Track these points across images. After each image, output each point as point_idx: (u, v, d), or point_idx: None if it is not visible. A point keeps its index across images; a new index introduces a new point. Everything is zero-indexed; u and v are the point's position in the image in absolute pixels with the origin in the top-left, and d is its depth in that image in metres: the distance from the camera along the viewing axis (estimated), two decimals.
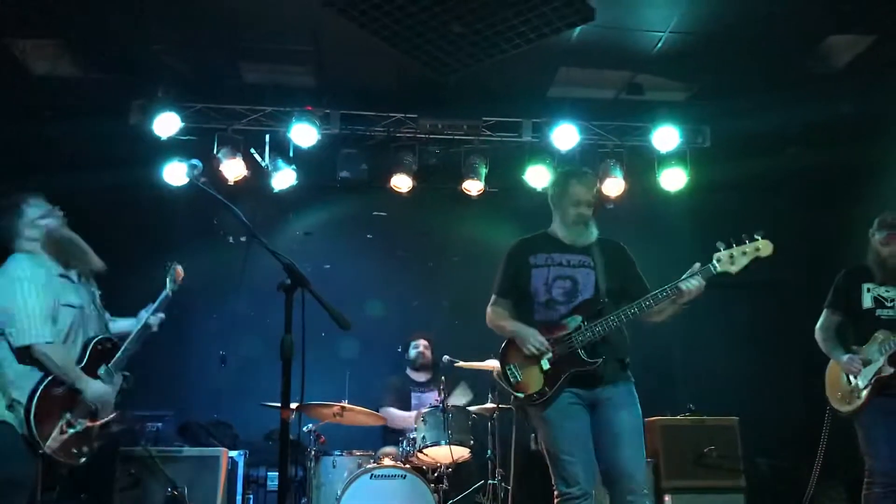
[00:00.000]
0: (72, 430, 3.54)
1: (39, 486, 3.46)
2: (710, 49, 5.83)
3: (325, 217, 7.15)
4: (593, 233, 3.74)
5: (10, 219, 3.68)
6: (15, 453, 3.40)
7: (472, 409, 5.46)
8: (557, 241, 3.74)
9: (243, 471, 5.56)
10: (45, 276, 3.59)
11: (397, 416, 5.83)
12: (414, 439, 5.25)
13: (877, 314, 4.13)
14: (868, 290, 4.18)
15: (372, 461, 5.13)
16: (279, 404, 5.15)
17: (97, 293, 3.92)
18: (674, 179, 6.82)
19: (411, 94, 6.49)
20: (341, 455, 5.19)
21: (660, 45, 5.81)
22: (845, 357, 4.15)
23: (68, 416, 3.54)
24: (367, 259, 7.08)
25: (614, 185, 6.75)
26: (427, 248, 7.26)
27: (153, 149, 6.33)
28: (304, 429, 5.20)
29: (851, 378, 4.13)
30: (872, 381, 4.03)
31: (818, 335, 4.35)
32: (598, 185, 3.81)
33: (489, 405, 5.38)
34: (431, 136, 6.78)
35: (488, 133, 6.80)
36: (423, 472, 5.10)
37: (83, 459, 3.62)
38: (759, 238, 3.40)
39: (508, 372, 3.65)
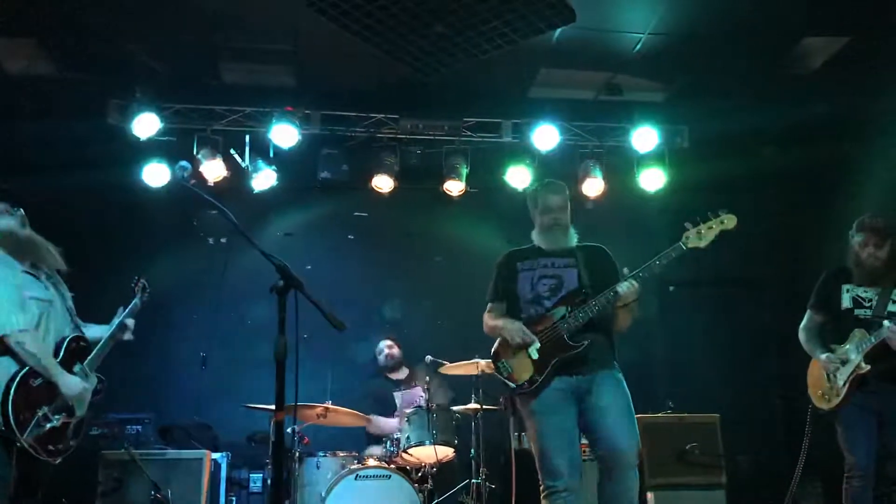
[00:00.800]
0: (48, 425, 3.46)
1: (20, 488, 3.40)
2: (689, 50, 5.89)
3: (306, 218, 7.13)
4: (573, 238, 3.93)
5: None
6: None
7: (455, 408, 5.47)
8: (540, 249, 3.92)
9: (226, 473, 5.53)
10: (8, 271, 3.51)
11: (383, 423, 5.81)
12: (398, 439, 5.25)
13: (855, 314, 4.19)
14: (847, 290, 4.25)
15: (356, 462, 5.12)
16: (265, 406, 5.15)
17: (68, 295, 3.85)
18: (653, 179, 6.88)
19: (392, 94, 6.49)
20: (325, 456, 5.17)
21: (639, 46, 5.86)
22: (823, 356, 4.23)
23: (46, 409, 3.46)
24: (349, 260, 7.06)
25: (594, 186, 6.80)
26: (408, 249, 7.26)
27: (132, 149, 6.27)
28: (288, 430, 5.18)
29: (831, 376, 4.19)
30: (850, 378, 4.10)
31: (801, 335, 4.43)
32: (567, 192, 3.99)
33: (473, 405, 5.40)
34: (412, 137, 6.79)
35: (469, 133, 6.82)
36: (408, 472, 5.11)
37: (59, 459, 3.54)
38: (723, 213, 3.69)
39: (500, 366, 3.81)
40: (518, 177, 6.76)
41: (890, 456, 4.20)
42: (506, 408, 5.25)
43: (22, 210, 3.68)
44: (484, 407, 5.37)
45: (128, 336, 3.99)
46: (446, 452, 5.25)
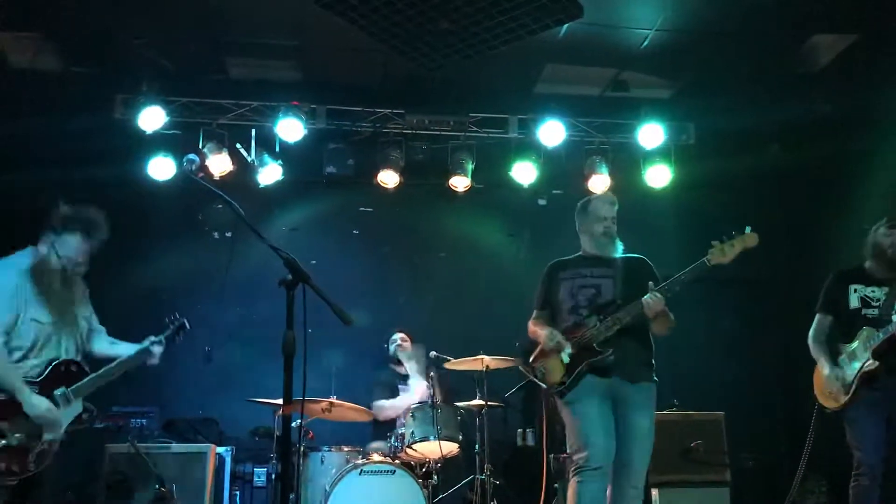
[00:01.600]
0: (3, 442, 3.42)
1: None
2: (696, 47, 5.88)
3: (312, 212, 7.11)
4: (619, 248, 4.16)
5: (49, 234, 3.71)
6: None
7: (460, 404, 5.47)
8: (584, 257, 4.19)
9: (230, 467, 5.53)
10: (14, 289, 3.55)
11: (388, 406, 5.78)
12: (403, 435, 5.25)
13: (863, 313, 4.21)
14: (855, 290, 4.27)
15: (361, 457, 5.12)
16: (271, 400, 5.15)
17: (84, 316, 3.89)
18: (659, 176, 6.87)
19: (398, 89, 6.49)
20: (329, 451, 5.16)
21: (646, 42, 5.84)
22: (827, 371, 4.23)
23: (4, 425, 3.44)
24: (353, 255, 7.06)
25: (600, 182, 6.78)
26: (413, 244, 7.24)
27: (137, 143, 6.28)
28: (293, 424, 5.18)
29: (838, 374, 4.19)
30: (858, 375, 4.09)
31: (810, 340, 4.43)
32: (617, 205, 4.20)
33: (477, 401, 5.40)
34: (418, 132, 6.78)
35: (475, 129, 6.81)
36: (412, 468, 5.10)
37: (14, 481, 3.45)
38: (746, 232, 3.88)
39: (536, 369, 4.12)
40: (524, 173, 6.75)
41: None
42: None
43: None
44: (489, 403, 5.36)
45: (152, 362, 4.04)
46: (451, 448, 5.24)
